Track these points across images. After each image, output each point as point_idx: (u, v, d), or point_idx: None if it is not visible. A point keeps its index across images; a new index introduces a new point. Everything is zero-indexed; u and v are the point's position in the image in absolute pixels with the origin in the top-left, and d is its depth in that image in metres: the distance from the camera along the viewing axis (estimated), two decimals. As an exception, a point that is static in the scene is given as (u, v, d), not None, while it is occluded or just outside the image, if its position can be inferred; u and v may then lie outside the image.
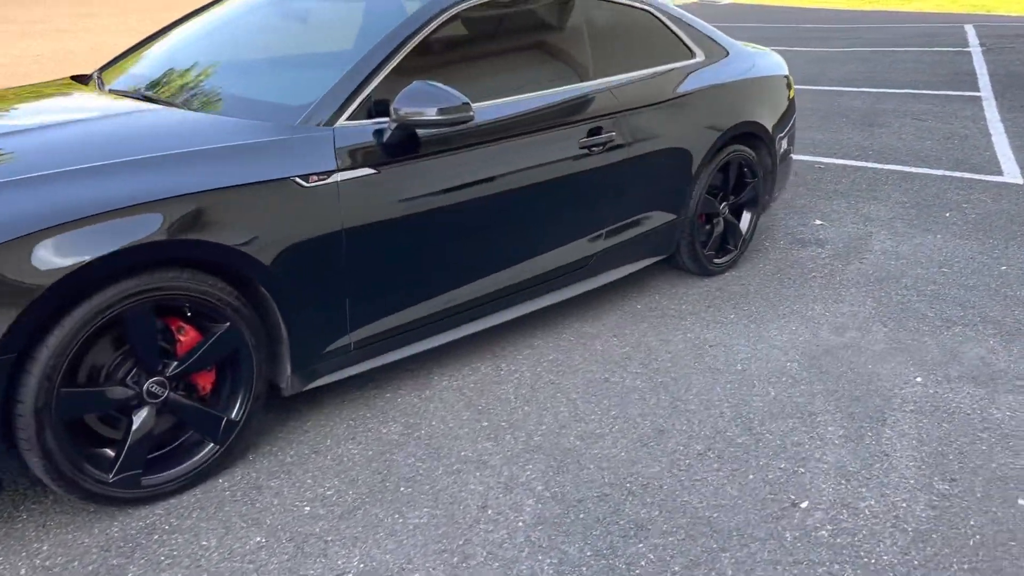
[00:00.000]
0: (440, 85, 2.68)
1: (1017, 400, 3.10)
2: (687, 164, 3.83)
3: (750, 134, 4.18)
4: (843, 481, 2.63)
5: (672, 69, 3.85)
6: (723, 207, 4.19)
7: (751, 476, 2.65)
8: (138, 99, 3.02)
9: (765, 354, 3.45)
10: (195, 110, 2.85)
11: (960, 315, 3.80)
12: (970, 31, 14.75)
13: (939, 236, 4.80)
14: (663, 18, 3.91)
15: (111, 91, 3.19)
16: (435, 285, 2.99)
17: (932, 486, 2.61)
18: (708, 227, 4.18)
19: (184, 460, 2.54)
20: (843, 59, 11.65)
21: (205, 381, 2.58)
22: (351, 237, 2.67)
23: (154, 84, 3.17)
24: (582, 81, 3.43)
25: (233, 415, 2.59)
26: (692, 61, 3.99)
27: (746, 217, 4.37)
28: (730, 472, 2.67)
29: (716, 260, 4.23)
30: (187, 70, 3.23)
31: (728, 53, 4.23)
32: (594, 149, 3.37)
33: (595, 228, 3.53)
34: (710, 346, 3.51)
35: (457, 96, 2.68)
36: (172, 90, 3.09)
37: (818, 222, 5.10)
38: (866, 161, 6.45)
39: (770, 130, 4.27)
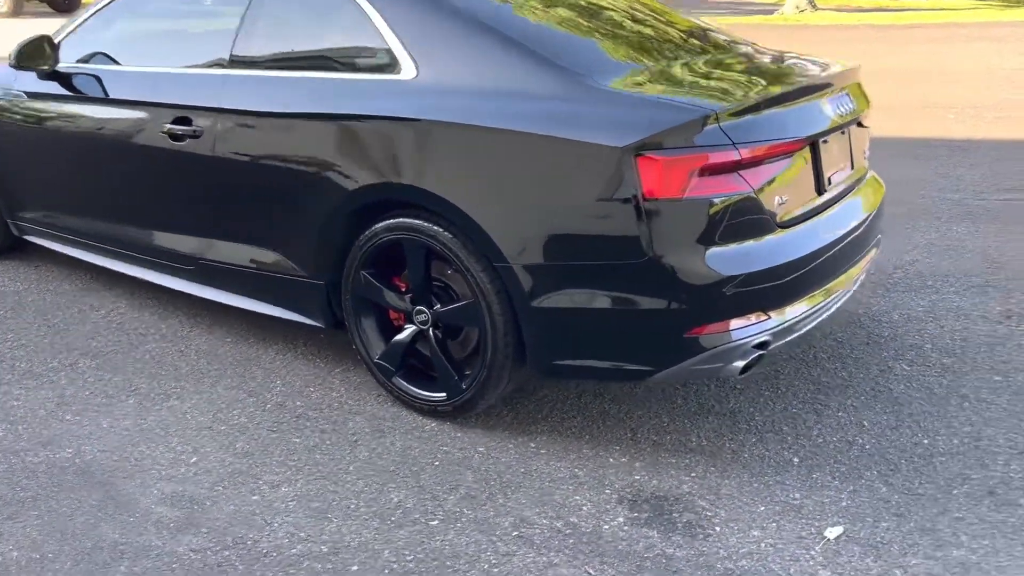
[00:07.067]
0: (39, 39, 3.60)
1: None
2: (313, 212, 2.93)
3: (445, 218, 2.65)
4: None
5: (339, 80, 2.91)
6: (417, 313, 2.81)
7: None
8: None
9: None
10: None
11: None
12: None
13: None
14: (370, 10, 2.86)
15: None
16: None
17: None
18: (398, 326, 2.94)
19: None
20: None
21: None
22: None
23: None
24: (216, 68, 3.24)
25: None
26: (387, 77, 2.78)
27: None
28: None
29: (410, 386, 2.89)
30: None
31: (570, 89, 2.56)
32: (183, 139, 3.20)
33: (191, 227, 3.36)
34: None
35: (22, 46, 3.56)
36: None
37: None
38: None
39: (482, 223, 2.54)
